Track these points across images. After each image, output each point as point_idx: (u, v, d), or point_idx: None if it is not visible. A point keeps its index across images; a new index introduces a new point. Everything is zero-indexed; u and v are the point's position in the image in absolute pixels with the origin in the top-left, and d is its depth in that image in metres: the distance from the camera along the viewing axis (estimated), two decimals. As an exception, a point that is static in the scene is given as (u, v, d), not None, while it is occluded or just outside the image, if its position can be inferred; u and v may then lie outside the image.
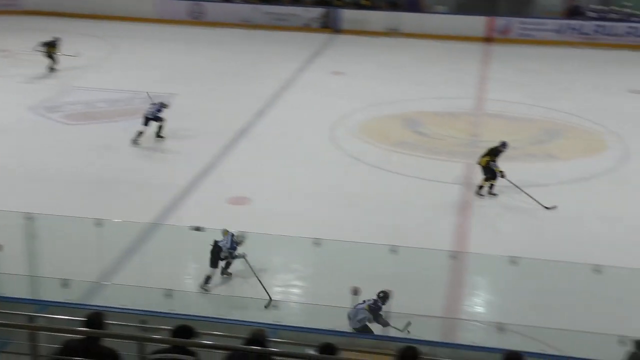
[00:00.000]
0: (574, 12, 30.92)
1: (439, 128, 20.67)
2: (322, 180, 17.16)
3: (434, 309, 12.22)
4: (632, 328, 11.34)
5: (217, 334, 8.72)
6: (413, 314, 11.57)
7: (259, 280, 12.66)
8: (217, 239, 12.82)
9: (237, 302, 12.32)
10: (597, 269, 11.97)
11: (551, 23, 30.54)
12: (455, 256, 13.45)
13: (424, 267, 13.00)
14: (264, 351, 6.91)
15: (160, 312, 10.10)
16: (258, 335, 7.20)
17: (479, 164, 16.40)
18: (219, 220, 14.13)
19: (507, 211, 15.92)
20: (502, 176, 16.19)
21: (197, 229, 12.80)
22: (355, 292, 11.14)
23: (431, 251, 13.01)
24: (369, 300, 11.31)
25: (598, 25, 30.09)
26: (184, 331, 6.94)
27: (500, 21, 30.68)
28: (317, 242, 13.02)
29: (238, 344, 7.24)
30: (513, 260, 11.83)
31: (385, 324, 11.26)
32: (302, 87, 24.16)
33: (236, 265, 12.98)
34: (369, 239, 13.57)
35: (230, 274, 13.08)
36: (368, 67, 26.77)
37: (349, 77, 25.47)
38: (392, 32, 31.04)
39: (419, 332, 11.08)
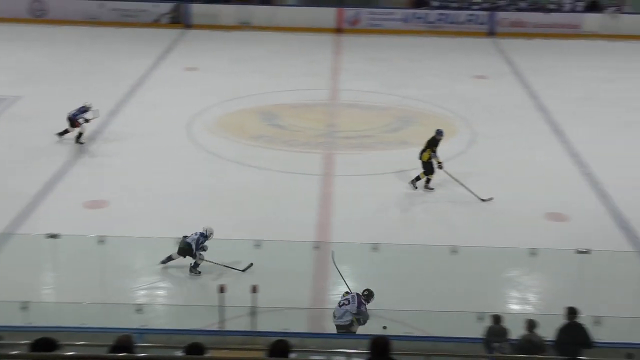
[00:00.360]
0: (419, 2, 31.91)
1: (296, 120, 20.82)
2: (181, 177, 16.88)
3: (301, 300, 12.30)
4: (488, 304, 11.90)
5: (81, 344, 8.42)
6: (281, 307, 11.62)
7: (228, 267, 12.82)
8: (186, 235, 12.81)
9: (101, 309, 11.93)
10: (454, 250, 12.45)
11: (398, 13, 31.39)
12: (319, 247, 13.58)
13: (288, 259, 13.07)
14: (130, 357, 6.73)
15: (17, 326, 9.65)
16: (124, 342, 7.00)
17: (421, 159, 16.34)
18: (76, 226, 13.66)
19: (363, 197, 16.21)
20: (440, 167, 16.32)
21: (53, 236, 12.30)
22: (222, 290, 11.03)
23: (295, 243, 13.10)
24: (352, 297, 11.01)
25: (441, 14, 31.22)
26: (45, 344, 6.62)
27: (350, 12, 31.24)
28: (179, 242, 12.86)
29: (104, 352, 7.01)
30: (375, 247, 12.08)
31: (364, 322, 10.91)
32: (155, 85, 23.67)
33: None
34: (232, 234, 13.52)
35: (200, 272, 12.88)
36: (222, 61, 26.57)
37: (203, 72, 25.19)
38: (244, 26, 30.97)
39: (288, 325, 11.14)
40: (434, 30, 30.94)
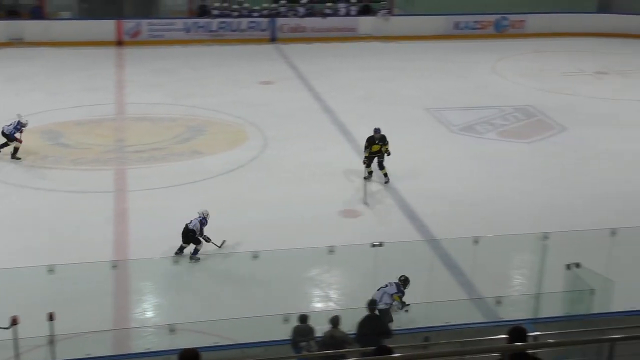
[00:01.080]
0: (201, 11, 31.84)
1: (83, 137, 20.04)
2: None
3: (103, 322, 11.87)
4: (293, 305, 12.11)
5: None
6: (81, 332, 11.15)
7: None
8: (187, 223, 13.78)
9: None
10: (255, 255, 12.54)
11: (179, 22, 31.15)
12: (117, 265, 13.17)
13: (86, 282, 12.59)
14: None
15: None
16: None
17: (375, 154, 17.18)
18: None
19: (160, 210, 15.93)
20: (364, 162, 17.18)
21: None
22: (14, 322, 10.37)
23: (91, 264, 12.61)
24: (390, 283, 11.77)
25: (222, 22, 31.36)
26: None
27: (129, 24, 30.55)
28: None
29: None
30: (176, 260, 11.92)
31: (402, 306, 11.77)
32: None
33: None
34: (23, 262, 12.76)
35: (199, 259, 13.73)
36: (-6, 80, 25.07)
37: (-25, 93, 23.65)
38: (15, 42, 29.36)
39: (90, 350, 10.72)
40: (216, 39, 31.04)
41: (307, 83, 25.69)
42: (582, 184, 17.83)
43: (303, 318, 10.64)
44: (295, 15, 32.11)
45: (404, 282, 12.00)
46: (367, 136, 17.31)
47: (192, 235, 13.78)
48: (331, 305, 12.81)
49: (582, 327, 10.37)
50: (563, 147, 20.29)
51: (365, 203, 16.50)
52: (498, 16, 33.17)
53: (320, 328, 10.42)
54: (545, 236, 12.15)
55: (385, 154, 17.29)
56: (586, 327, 10.38)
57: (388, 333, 10.37)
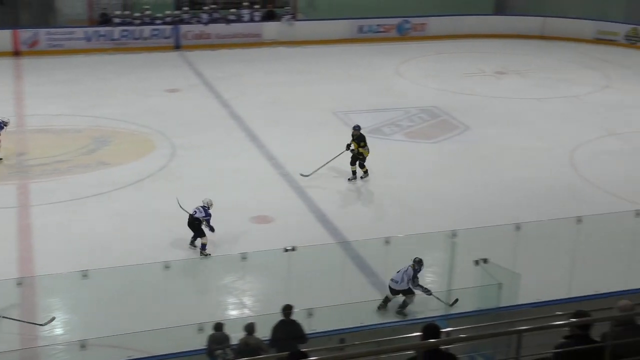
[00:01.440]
0: (103, 20, 31.19)
1: (-19, 152, 19.34)
2: None
3: (9, 342, 11.50)
4: (208, 314, 12.02)
5: None
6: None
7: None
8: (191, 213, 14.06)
9: None
10: (167, 265, 12.39)
11: (79, 31, 30.41)
12: (22, 282, 12.78)
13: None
14: None
15: None
16: None
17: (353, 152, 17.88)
18: None
19: (66, 224, 15.54)
20: (347, 148, 17.80)
21: None
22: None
23: (-5, 283, 12.22)
24: (406, 267, 12.17)
25: (124, 30, 30.80)
26: None
27: (26, 33, 29.63)
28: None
29: None
30: (85, 274, 11.65)
31: (426, 291, 12.27)
32: None
33: None
34: None
35: (209, 254, 13.91)
36: None
37: None
38: None
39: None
40: (119, 47, 30.45)
41: (213, 89, 25.52)
42: (486, 181, 18.32)
43: (218, 326, 10.57)
44: (199, 22, 31.86)
45: (418, 263, 12.27)
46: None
47: (197, 224, 13.91)
48: (246, 312, 12.76)
49: (492, 320, 10.65)
50: (467, 145, 20.81)
51: (302, 174, 17.55)
52: (400, 19, 33.74)
53: (236, 336, 10.37)
54: (454, 234, 12.43)
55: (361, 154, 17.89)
56: (496, 320, 10.67)
57: (303, 337, 10.39)
